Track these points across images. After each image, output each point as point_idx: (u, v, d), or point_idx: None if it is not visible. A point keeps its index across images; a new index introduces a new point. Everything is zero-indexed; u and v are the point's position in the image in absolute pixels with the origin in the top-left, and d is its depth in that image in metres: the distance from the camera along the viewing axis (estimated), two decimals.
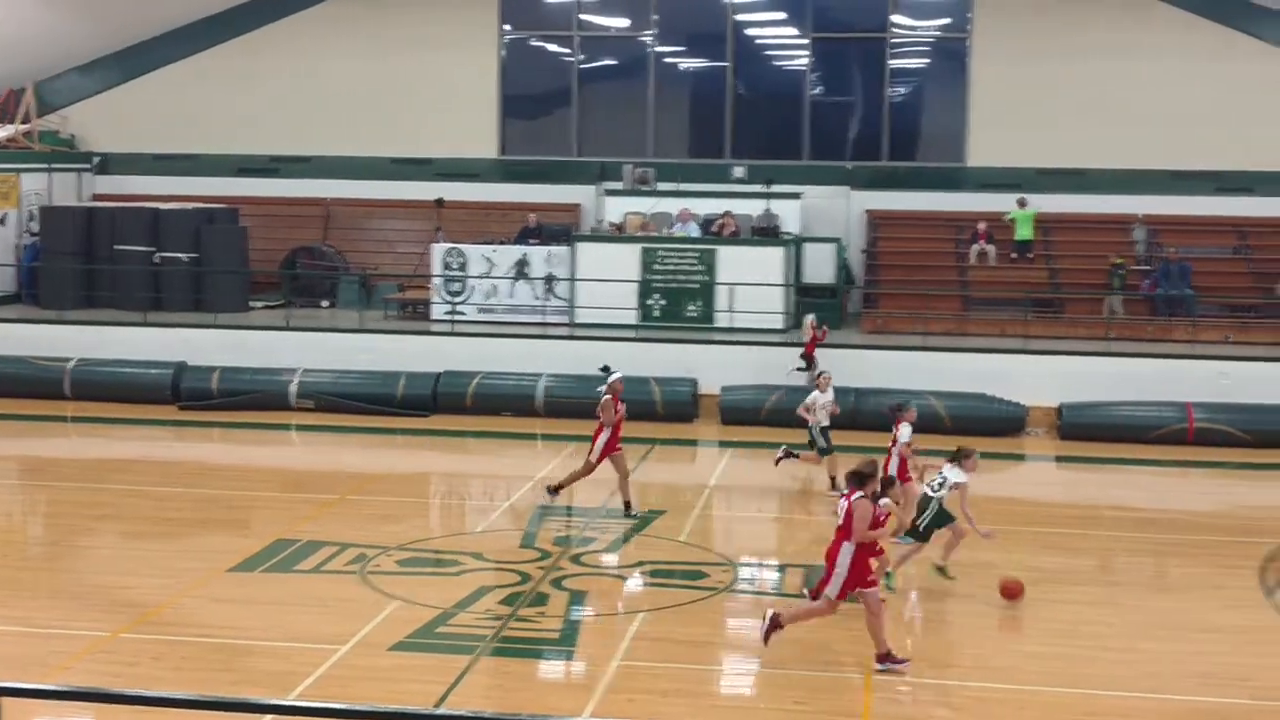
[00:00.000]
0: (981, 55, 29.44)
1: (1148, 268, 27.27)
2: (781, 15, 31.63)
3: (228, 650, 12.65)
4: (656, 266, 26.34)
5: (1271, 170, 28.21)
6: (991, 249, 27.78)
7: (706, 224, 27.16)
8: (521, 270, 26.98)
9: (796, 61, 31.12)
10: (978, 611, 14.40)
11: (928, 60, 31.11)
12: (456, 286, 27.05)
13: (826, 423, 18.99)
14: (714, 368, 24.62)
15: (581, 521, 17.67)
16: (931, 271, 27.79)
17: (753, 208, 27.89)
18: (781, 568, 16.28)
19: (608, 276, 25.92)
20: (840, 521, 12.18)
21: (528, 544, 16.45)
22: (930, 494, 14.68)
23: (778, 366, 23.86)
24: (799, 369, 23.07)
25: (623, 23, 31.49)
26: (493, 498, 19.83)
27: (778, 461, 19.05)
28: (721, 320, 26.02)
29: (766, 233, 27.31)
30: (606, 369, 18.06)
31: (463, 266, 27.03)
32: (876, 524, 12.18)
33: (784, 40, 31.74)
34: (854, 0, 30.94)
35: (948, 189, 29.37)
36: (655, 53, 31.00)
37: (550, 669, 12.85)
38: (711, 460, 22.47)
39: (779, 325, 26.01)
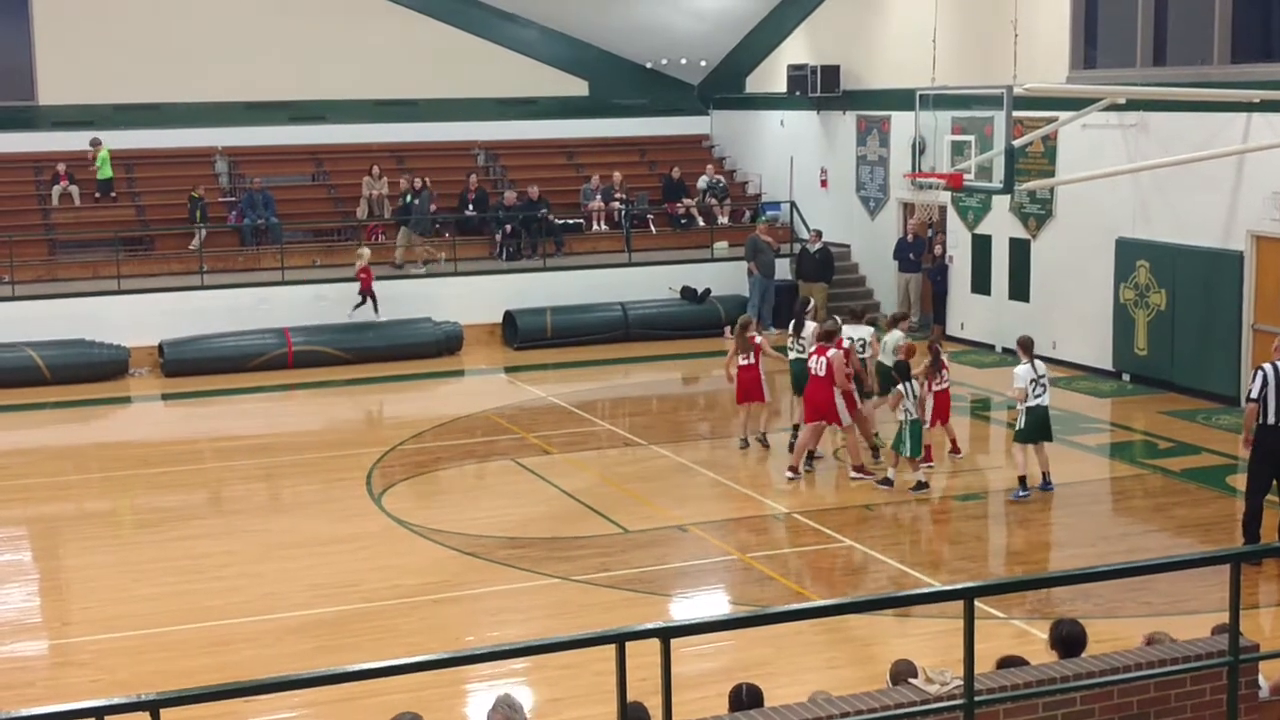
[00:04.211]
0: None
1: (232, 199, 27.77)
2: None
3: None
4: None
5: (342, 99, 29.60)
6: (75, 189, 27.03)
7: None
8: None
9: None
10: (99, 563, 14.25)
11: None
12: None
13: None
14: None
15: None
16: (14, 216, 26.48)
17: None
18: None
19: None
20: None
21: None
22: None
23: None
24: None
25: None
26: None
27: None
28: None
29: None
30: None
31: None
32: None
33: None
34: None
35: (22, 129, 28.05)
36: None
37: None
38: None
39: None
